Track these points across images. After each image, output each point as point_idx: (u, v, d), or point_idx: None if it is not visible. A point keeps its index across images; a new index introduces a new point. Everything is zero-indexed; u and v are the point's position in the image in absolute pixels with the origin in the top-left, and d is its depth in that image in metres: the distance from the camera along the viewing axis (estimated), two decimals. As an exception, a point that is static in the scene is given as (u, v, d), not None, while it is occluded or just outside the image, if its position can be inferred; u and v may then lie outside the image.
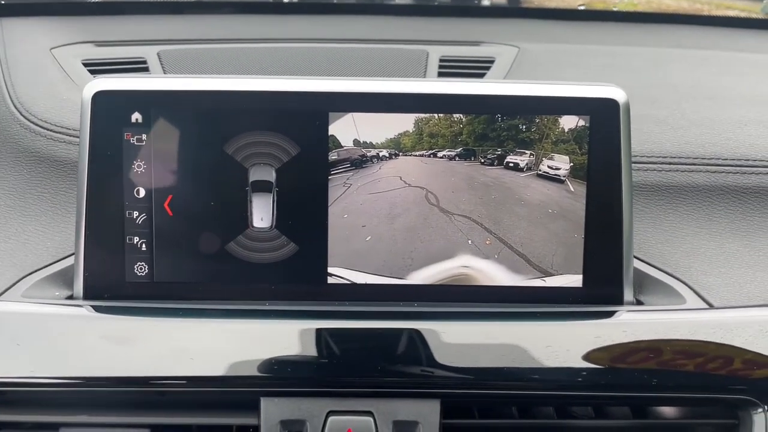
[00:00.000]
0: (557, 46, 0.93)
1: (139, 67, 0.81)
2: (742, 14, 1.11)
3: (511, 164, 0.55)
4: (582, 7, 1.07)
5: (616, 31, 1.00)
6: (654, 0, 1.14)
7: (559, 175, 0.55)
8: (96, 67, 0.80)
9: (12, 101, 0.69)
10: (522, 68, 0.86)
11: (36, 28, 0.88)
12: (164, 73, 0.80)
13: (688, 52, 0.92)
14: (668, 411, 0.53)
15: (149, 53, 0.84)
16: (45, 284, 0.55)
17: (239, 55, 0.85)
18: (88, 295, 0.54)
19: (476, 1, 1.06)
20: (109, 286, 0.54)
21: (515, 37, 0.94)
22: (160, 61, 0.82)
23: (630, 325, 0.52)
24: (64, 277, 0.56)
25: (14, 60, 0.77)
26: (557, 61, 0.89)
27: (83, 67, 0.80)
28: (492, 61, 0.87)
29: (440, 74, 0.84)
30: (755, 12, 1.14)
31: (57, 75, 0.77)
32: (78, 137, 0.63)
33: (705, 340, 0.51)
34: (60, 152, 0.64)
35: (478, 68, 0.86)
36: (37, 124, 0.66)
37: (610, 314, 0.53)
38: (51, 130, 0.65)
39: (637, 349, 0.51)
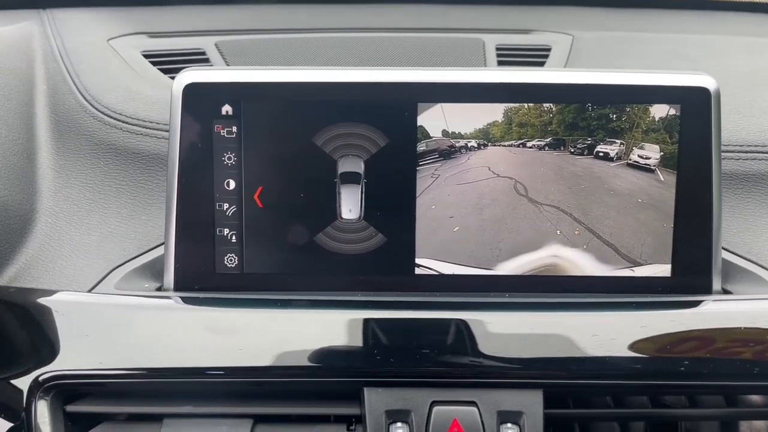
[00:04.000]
0: (610, 34, 0.92)
1: (199, 58, 0.81)
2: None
3: (601, 154, 0.55)
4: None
5: (665, 18, 0.99)
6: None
7: (649, 165, 0.54)
8: (156, 59, 0.80)
9: (81, 93, 0.69)
10: (579, 57, 0.85)
11: (91, 18, 0.87)
12: (226, 64, 0.80)
13: (743, 39, 0.91)
14: (757, 399, 0.53)
15: (206, 44, 0.84)
16: (134, 276, 0.56)
17: (296, 45, 0.85)
18: (179, 286, 0.54)
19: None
20: (199, 277, 0.55)
21: (566, 24, 0.93)
22: (220, 51, 0.82)
23: (722, 314, 0.52)
24: (153, 269, 0.57)
25: (75, 52, 0.77)
26: (612, 50, 0.88)
27: (144, 58, 0.80)
28: (548, 50, 0.87)
29: (499, 63, 0.83)
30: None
31: (120, 66, 0.76)
32: (154, 129, 0.64)
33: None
34: (137, 144, 0.64)
35: (535, 56, 0.85)
36: (110, 116, 0.66)
37: (700, 303, 0.53)
38: (125, 122, 0.65)
39: (731, 338, 0.51)
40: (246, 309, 0.52)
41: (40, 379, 0.48)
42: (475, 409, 0.47)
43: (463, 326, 0.49)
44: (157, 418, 0.49)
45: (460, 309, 0.51)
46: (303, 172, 0.54)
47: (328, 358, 0.49)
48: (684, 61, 0.85)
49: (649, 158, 0.54)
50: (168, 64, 0.79)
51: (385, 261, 0.55)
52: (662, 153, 0.54)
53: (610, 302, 0.53)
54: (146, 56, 0.80)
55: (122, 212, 0.61)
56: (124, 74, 0.74)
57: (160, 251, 0.57)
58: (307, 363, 0.49)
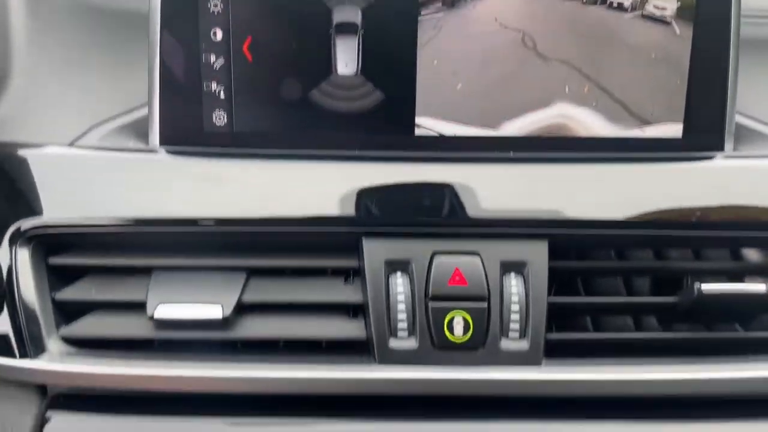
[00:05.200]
0: None
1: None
2: None
3: (615, 3, 0.51)
4: None
5: None
6: None
7: (665, 17, 0.51)
8: None
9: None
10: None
11: None
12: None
13: None
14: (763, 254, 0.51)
15: None
16: (117, 133, 0.53)
17: None
18: (164, 144, 0.51)
19: None
20: (185, 135, 0.52)
21: None
22: None
23: (732, 169, 0.50)
24: (136, 129, 0.53)
25: None
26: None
27: None
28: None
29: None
30: None
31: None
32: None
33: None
34: (118, 2, 0.59)
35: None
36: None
37: (711, 158, 0.51)
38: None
39: (740, 192, 0.49)
40: (238, 160, 0.49)
41: (21, 228, 0.46)
42: (477, 258, 0.46)
43: (465, 178, 0.47)
44: (146, 271, 0.47)
45: (462, 162, 0.48)
46: (295, 21, 0.51)
47: (324, 208, 0.46)
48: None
49: (665, 9, 0.51)
50: None
51: (383, 119, 0.52)
52: (679, 3, 0.51)
53: (617, 157, 0.51)
54: None
55: (106, 71, 0.57)
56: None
57: (144, 111, 0.54)
58: (302, 213, 0.47)
